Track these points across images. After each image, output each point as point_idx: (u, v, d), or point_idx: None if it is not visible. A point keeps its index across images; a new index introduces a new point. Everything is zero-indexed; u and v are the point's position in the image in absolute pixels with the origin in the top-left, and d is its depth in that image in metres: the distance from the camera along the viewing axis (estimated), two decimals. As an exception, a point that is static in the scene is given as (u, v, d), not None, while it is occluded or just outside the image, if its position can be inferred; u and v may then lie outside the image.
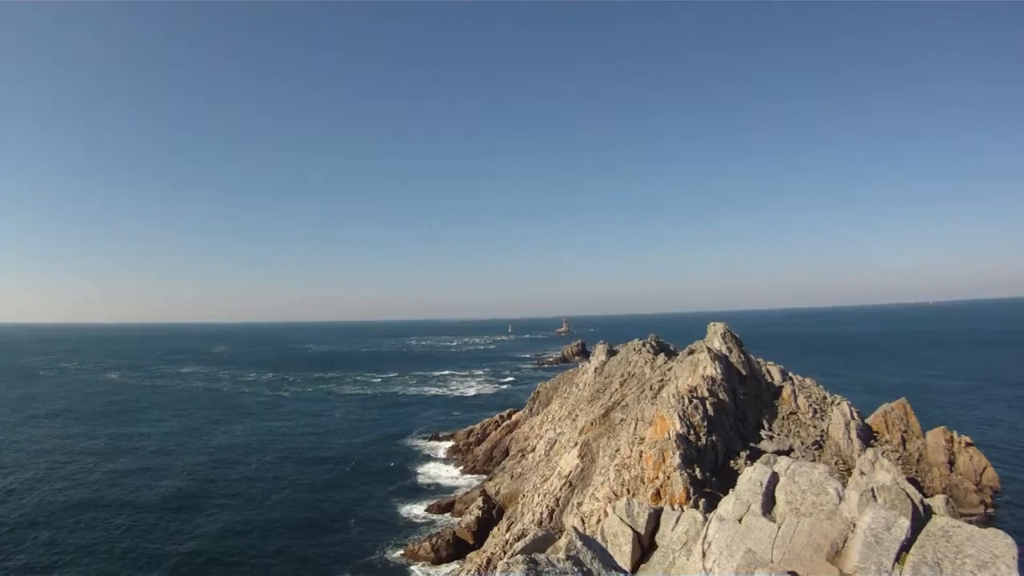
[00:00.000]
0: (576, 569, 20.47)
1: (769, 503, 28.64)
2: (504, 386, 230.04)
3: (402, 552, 70.14)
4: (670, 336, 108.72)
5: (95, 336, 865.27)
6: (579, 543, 23.86)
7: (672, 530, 31.76)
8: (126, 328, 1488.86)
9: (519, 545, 26.96)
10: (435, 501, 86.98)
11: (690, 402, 58.19)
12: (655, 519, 32.48)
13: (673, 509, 34.59)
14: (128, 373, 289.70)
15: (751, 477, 30.04)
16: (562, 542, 24.87)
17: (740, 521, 28.38)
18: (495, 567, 59.87)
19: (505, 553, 61.13)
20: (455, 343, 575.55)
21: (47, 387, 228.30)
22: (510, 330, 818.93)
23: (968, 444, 67.76)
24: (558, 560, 20.55)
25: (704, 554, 28.08)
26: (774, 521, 27.86)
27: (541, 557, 20.60)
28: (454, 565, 66.69)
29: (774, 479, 29.42)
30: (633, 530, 31.77)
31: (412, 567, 67.44)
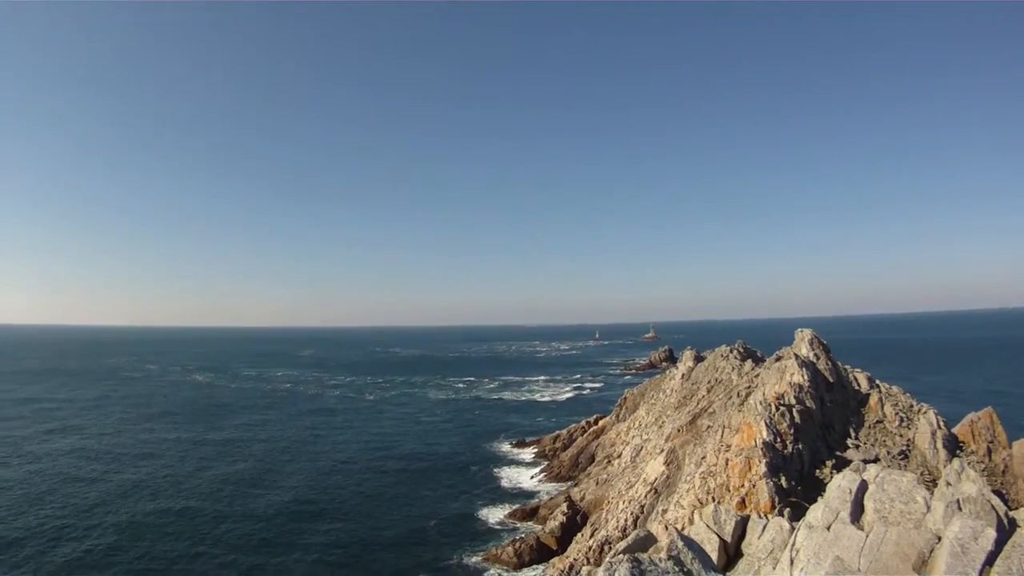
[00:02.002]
0: (677, 569, 21.26)
1: (858, 511, 28.27)
2: (591, 392, 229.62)
3: (483, 556, 70.79)
4: (757, 342, 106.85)
5: (177, 339, 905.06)
6: (680, 543, 24.46)
7: (758, 538, 31.71)
8: (209, 332, 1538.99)
9: (621, 545, 27.51)
10: (519, 506, 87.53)
11: (777, 409, 57.20)
12: (742, 527, 32.56)
13: (760, 517, 34.42)
14: (215, 376, 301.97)
15: (840, 484, 29.88)
16: (663, 542, 25.39)
17: (829, 529, 28.29)
18: (578, 572, 60.30)
19: (588, 560, 61.75)
20: (542, 349, 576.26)
21: (142, 389, 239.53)
22: (597, 336, 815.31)
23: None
24: (660, 560, 21.18)
25: (792, 561, 28.09)
26: (862, 529, 27.53)
27: (644, 556, 21.27)
28: (537, 570, 66.95)
29: (863, 487, 29.03)
30: (720, 537, 31.73)
31: (493, 571, 68.00)
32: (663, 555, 23.47)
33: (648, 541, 27.97)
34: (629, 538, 28.43)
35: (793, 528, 30.13)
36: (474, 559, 70.43)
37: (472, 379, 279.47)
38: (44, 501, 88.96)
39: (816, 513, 29.74)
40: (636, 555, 21.17)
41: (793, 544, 29.44)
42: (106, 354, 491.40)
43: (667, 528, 52.56)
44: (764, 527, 31.96)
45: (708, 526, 33.36)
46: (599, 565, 53.35)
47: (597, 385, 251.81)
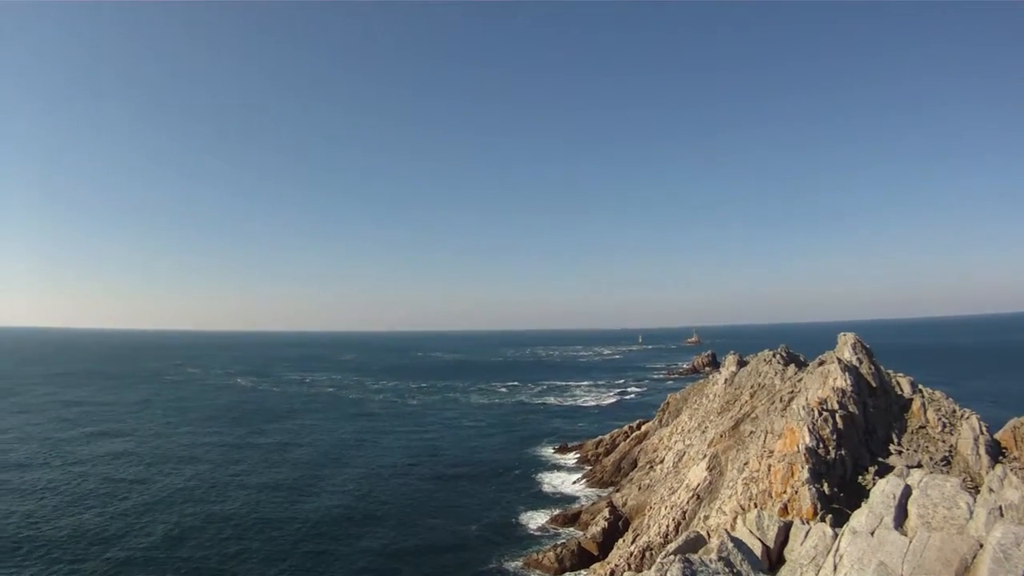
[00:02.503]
0: (727, 570, 22.12)
1: (901, 516, 28.57)
2: (633, 396, 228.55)
3: (524, 561, 70.87)
4: (800, 346, 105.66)
5: (217, 343, 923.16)
6: (730, 544, 25.15)
7: (801, 544, 31.75)
8: (250, 336, 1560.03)
9: (672, 545, 28.28)
10: (560, 511, 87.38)
11: (820, 415, 56.72)
12: (784, 533, 32.59)
13: (803, 524, 34.39)
14: (257, 380, 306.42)
15: (884, 489, 29.85)
16: (714, 543, 26.17)
17: (872, 534, 28.30)
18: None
19: (629, 566, 61.69)
20: (585, 353, 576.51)
21: (185, 393, 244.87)
22: (640, 340, 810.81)
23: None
24: (710, 560, 21.74)
25: (836, 567, 28.29)
26: (906, 535, 27.50)
27: (695, 557, 21.85)
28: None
29: (907, 492, 29.28)
30: (763, 543, 31.99)
31: None
32: (713, 556, 24.10)
33: (698, 542, 28.59)
34: (680, 539, 29.05)
35: (836, 534, 30.26)
36: (515, 564, 70.64)
37: (515, 383, 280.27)
38: (87, 503, 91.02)
39: (860, 518, 29.60)
40: (687, 555, 21.70)
41: (837, 549, 29.40)
42: (148, 358, 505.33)
43: (709, 535, 52.69)
44: (807, 533, 32.25)
45: (751, 532, 33.28)
46: (640, 571, 53.48)
47: (640, 390, 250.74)
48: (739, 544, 26.67)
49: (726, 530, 29.06)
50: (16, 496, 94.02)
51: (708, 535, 58.59)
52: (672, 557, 22.25)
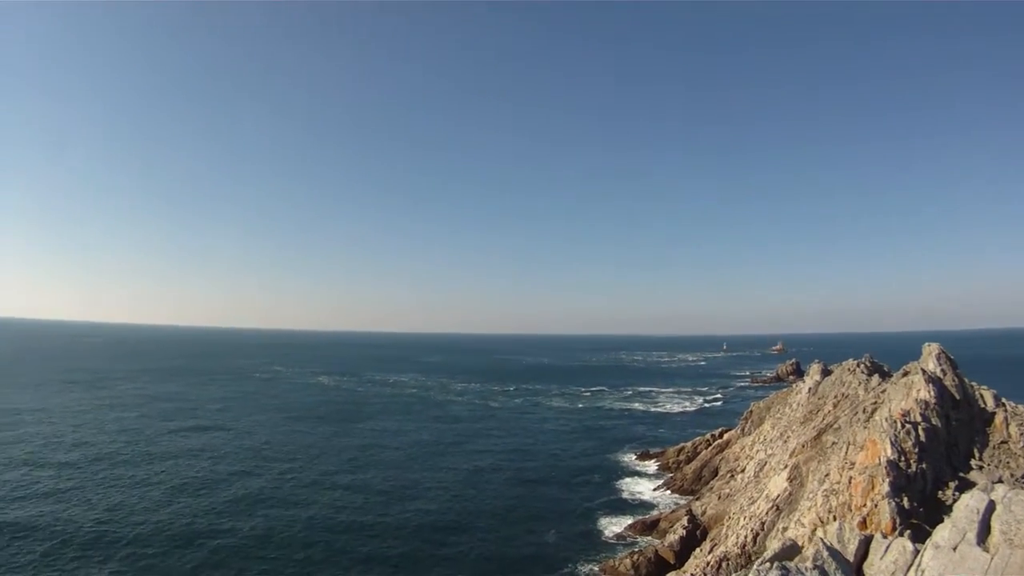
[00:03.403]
0: None
1: (984, 532, 28.10)
2: (717, 404, 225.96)
3: (600, 568, 71.05)
4: (884, 356, 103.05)
5: (300, 343, 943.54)
6: (825, 553, 25.68)
7: (880, 559, 31.46)
8: (335, 336, 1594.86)
9: (769, 553, 28.73)
10: (639, 518, 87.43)
11: (902, 427, 55.58)
12: (864, 547, 32.31)
13: (883, 538, 34.12)
14: (341, 380, 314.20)
15: (968, 504, 29.57)
16: (809, 551, 26.56)
17: (955, 550, 27.99)
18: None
19: None
20: (669, 359, 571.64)
21: (271, 391, 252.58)
22: (724, 347, 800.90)
23: None
24: (805, 568, 22.24)
25: (917, 582, 28.02)
26: (988, 551, 27.26)
27: (791, 564, 22.42)
28: None
29: (991, 507, 28.82)
30: (843, 557, 31.95)
31: None
32: (808, 564, 24.61)
33: (793, 550, 29.08)
34: (775, 546, 29.60)
35: (916, 550, 29.99)
36: (590, 569, 71.12)
37: (597, 388, 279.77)
38: (177, 498, 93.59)
39: (943, 533, 29.29)
40: (783, 563, 22.28)
41: (919, 564, 29.25)
42: (232, 355, 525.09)
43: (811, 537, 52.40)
44: (887, 547, 31.94)
45: (832, 545, 33.48)
46: None
47: (723, 397, 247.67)
48: (834, 553, 26.92)
49: (821, 538, 29.21)
50: (105, 489, 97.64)
51: (813, 536, 58.09)
52: (768, 564, 22.87)
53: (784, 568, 21.31)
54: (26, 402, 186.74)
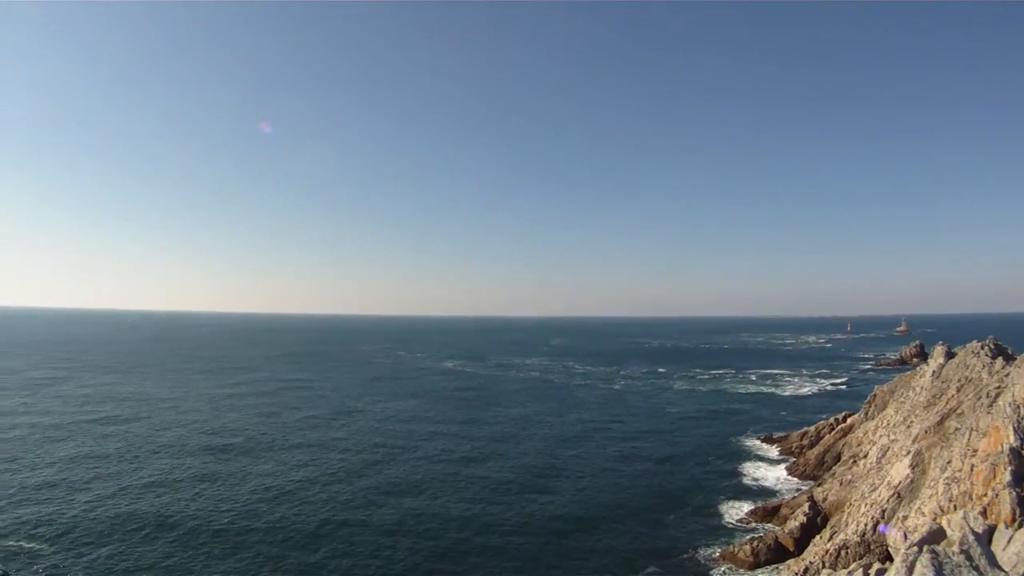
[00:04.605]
0: (968, 563, 23.28)
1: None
2: (841, 387, 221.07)
3: (719, 553, 72.24)
4: (1012, 339, 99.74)
5: (421, 328, 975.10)
6: (971, 538, 26.74)
7: (1003, 550, 32.30)
8: (454, 321, 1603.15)
9: (916, 536, 30.03)
10: (760, 504, 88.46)
11: (1025, 414, 55.15)
12: (987, 537, 33.10)
13: (1006, 528, 34.75)
14: (464, 363, 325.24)
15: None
16: (955, 536, 27.54)
17: (1080, 545, 28.45)
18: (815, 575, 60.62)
19: (824, 564, 61.48)
20: (791, 341, 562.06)
21: (394, 374, 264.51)
22: (848, 328, 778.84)
23: None
24: (952, 553, 23.86)
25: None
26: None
27: (940, 549, 24.03)
28: (773, 571, 67.10)
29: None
30: (965, 546, 32.77)
31: (726, 568, 69.19)
32: (955, 548, 25.80)
33: (939, 535, 30.29)
34: (923, 529, 30.88)
35: (1041, 541, 30.46)
36: (709, 554, 72.35)
37: (720, 371, 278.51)
38: (319, 485, 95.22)
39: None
40: (933, 547, 23.85)
41: (1042, 558, 29.94)
42: (353, 340, 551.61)
43: (905, 537, 52.84)
44: (1010, 539, 32.38)
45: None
46: (835, 570, 54.24)
47: (847, 380, 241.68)
48: (979, 538, 27.91)
49: (967, 523, 29.66)
50: (241, 477, 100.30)
51: (905, 536, 57.74)
52: (915, 548, 24.23)
53: (933, 552, 22.95)
54: (166, 389, 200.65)
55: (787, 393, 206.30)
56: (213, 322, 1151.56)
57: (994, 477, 51.39)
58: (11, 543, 71.58)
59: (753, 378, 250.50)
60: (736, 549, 71.64)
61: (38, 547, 70.83)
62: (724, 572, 68.48)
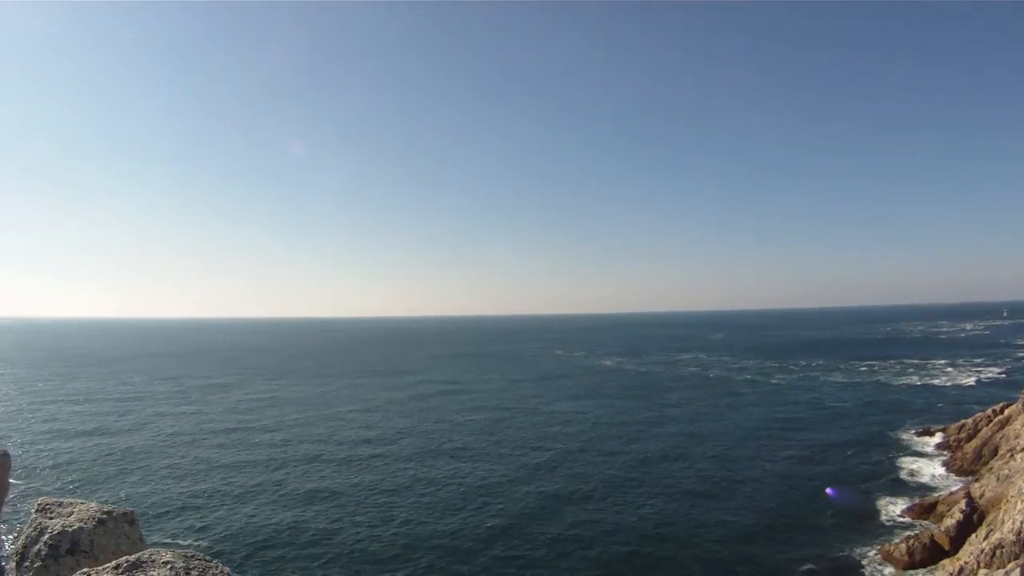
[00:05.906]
0: None
1: None
2: (1000, 376, 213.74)
3: (876, 551, 73.23)
4: None
5: (576, 326, 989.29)
6: None
7: None
8: (606, 318, 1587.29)
9: None
10: (916, 501, 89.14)
11: None
12: None
13: None
14: (624, 360, 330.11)
15: None
16: None
17: None
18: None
19: (979, 564, 60.11)
20: (947, 328, 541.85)
21: (558, 371, 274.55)
22: (1005, 314, 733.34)
23: None
24: None
25: None
26: None
27: None
28: (928, 572, 66.48)
29: None
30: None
31: (881, 567, 69.83)
32: None
33: None
34: None
35: None
36: (865, 552, 73.38)
37: (875, 362, 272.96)
38: (473, 500, 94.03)
39: None
40: None
41: None
42: (506, 340, 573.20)
43: None
44: None
45: None
46: (991, 568, 54.21)
47: (1005, 368, 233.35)
48: None
49: None
50: (391, 477, 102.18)
51: None
52: None
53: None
54: (334, 388, 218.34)
55: (944, 383, 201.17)
56: (363, 326, 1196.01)
57: None
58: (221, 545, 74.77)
59: (909, 368, 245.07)
60: (892, 548, 72.00)
61: (217, 548, 72.93)
62: (881, 571, 69.16)
